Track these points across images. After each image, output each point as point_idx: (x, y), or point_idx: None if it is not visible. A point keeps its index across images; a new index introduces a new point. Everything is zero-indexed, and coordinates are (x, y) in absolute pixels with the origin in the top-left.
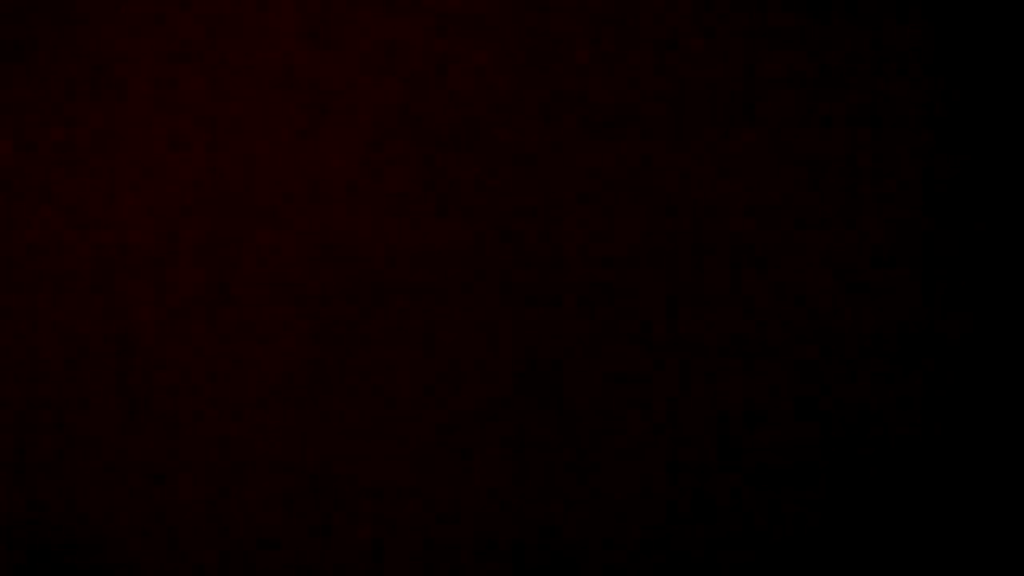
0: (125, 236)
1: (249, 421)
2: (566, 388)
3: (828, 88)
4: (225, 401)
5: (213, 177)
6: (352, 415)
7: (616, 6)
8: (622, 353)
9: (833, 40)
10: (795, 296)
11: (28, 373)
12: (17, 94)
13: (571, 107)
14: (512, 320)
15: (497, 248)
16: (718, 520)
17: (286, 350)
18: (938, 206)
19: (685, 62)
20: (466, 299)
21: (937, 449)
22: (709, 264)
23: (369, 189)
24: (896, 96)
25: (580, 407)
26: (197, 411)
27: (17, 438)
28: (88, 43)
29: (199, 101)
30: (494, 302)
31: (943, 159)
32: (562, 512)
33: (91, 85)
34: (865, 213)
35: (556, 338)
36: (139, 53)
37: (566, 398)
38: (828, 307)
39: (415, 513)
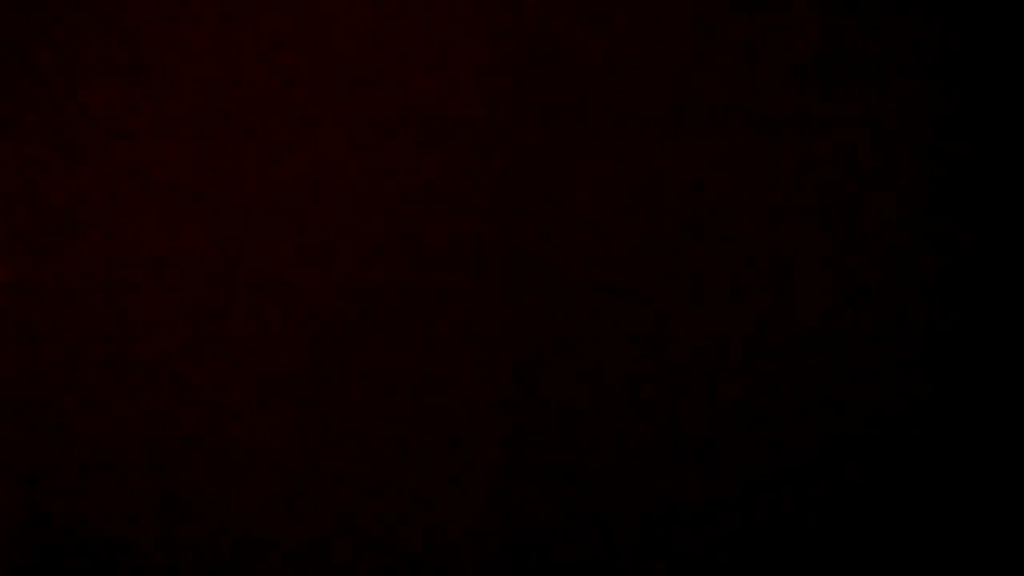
0: (125, 236)
1: (249, 421)
2: (566, 387)
3: (828, 88)
4: (225, 401)
5: (213, 177)
6: (352, 415)
7: (615, 5)
8: (622, 352)
9: (833, 40)
10: (795, 296)
11: (28, 373)
12: (17, 95)
13: (570, 106)
14: (512, 319)
15: (496, 247)
16: (718, 520)
17: (286, 350)
18: (938, 206)
19: (685, 61)
20: (466, 298)
21: (937, 449)
22: (708, 263)
23: (369, 189)
24: (897, 95)
25: (580, 406)
26: (197, 411)
27: (17, 438)
28: (89, 45)
29: (199, 100)
30: (494, 302)
31: (944, 159)
32: (562, 512)
33: (93, 83)
34: (865, 213)
35: (556, 337)
36: (140, 50)
37: (566, 397)
38: (828, 307)
39: (415, 513)
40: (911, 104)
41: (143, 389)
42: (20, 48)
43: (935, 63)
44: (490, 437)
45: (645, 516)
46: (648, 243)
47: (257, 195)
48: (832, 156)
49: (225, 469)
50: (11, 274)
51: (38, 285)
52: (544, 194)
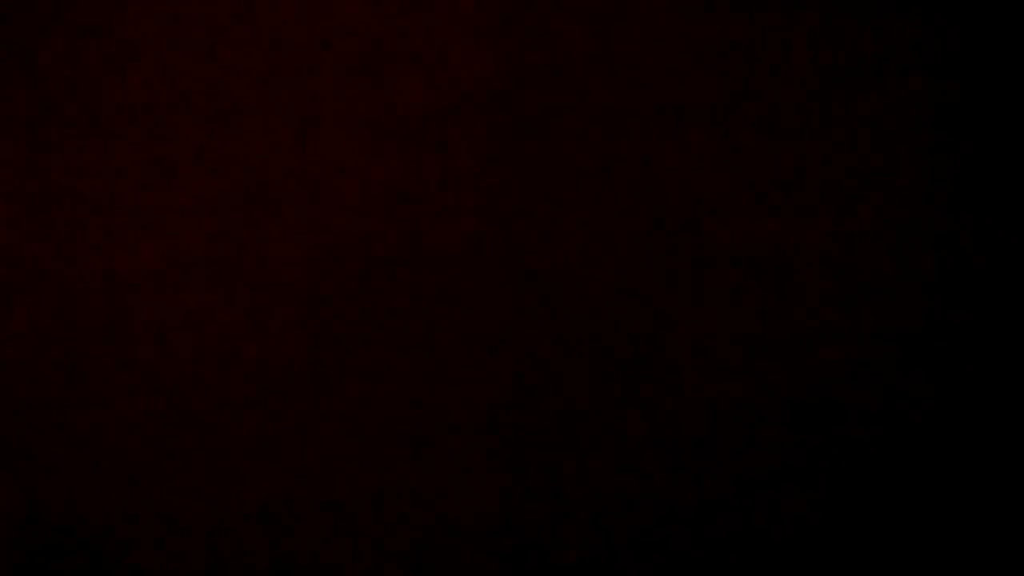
0: (126, 236)
1: (249, 420)
2: (566, 387)
3: (827, 88)
4: (225, 400)
5: (213, 177)
6: (353, 415)
7: (615, 5)
8: (622, 352)
9: (834, 39)
10: (795, 296)
11: (29, 372)
12: (17, 95)
13: (570, 106)
14: (512, 319)
15: (497, 247)
16: (718, 520)
17: (286, 350)
18: (938, 206)
19: (685, 61)
20: (466, 298)
21: (938, 449)
22: (708, 263)
23: (368, 189)
24: (897, 95)
25: (580, 405)
26: (198, 411)
27: (17, 438)
28: (90, 41)
29: (199, 100)
30: (494, 301)
31: (944, 159)
32: (561, 512)
33: (93, 83)
34: (865, 213)
35: (556, 337)
36: (140, 50)
37: (566, 397)
38: (827, 307)
39: (415, 513)
40: (911, 104)
41: (143, 389)
42: (20, 48)
43: (935, 63)
44: (490, 437)
45: (645, 516)
46: (648, 243)
47: (257, 194)
48: (832, 156)
49: (225, 468)
50: (11, 272)
51: (38, 285)
52: (544, 193)
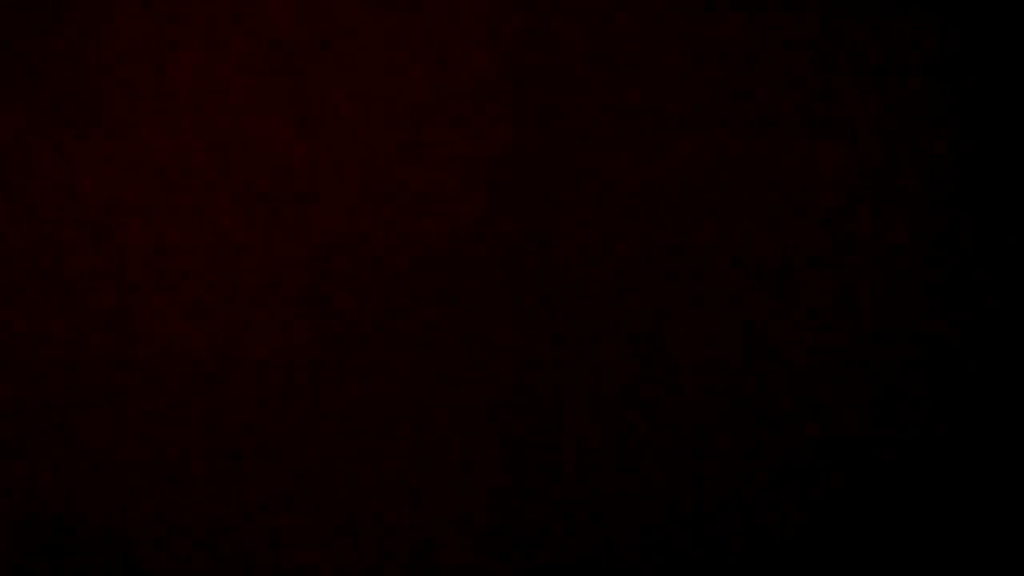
0: (127, 235)
1: (250, 420)
2: (566, 385)
3: (828, 88)
4: (225, 400)
5: (212, 177)
6: (353, 415)
7: (615, 5)
8: (623, 353)
9: (834, 40)
10: (797, 297)
11: (29, 372)
12: (18, 92)
13: (571, 106)
14: (512, 319)
15: (496, 246)
16: (718, 521)
17: (287, 350)
18: (941, 207)
19: (685, 61)
20: (465, 297)
21: (940, 450)
22: (709, 264)
23: (370, 188)
24: (898, 95)
25: (580, 404)
26: (198, 410)
27: (17, 438)
28: (90, 41)
29: (199, 100)
30: (495, 301)
31: (945, 159)
32: (561, 513)
33: (93, 84)
34: (866, 213)
35: (557, 337)
36: (140, 51)
37: (566, 395)
38: (828, 307)
39: (415, 513)
40: (912, 104)
41: (143, 388)
42: (19, 48)
43: (936, 64)
44: (490, 437)
45: (644, 516)
46: (649, 243)
47: (258, 193)
48: (833, 156)
49: (225, 468)
50: (11, 272)
51: (38, 285)
52: (545, 192)
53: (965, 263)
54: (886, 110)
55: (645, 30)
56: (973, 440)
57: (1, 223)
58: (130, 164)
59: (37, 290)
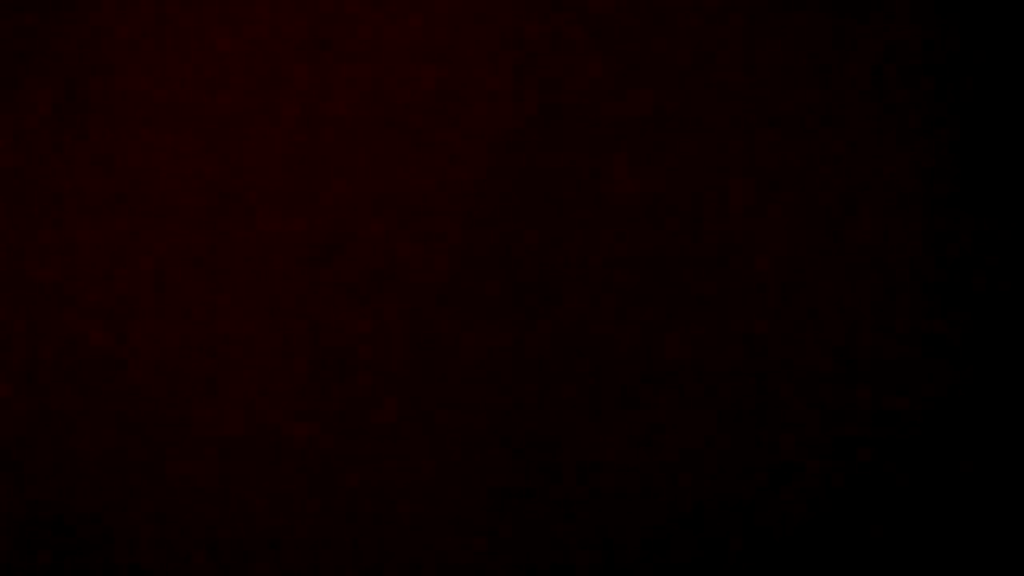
0: (127, 234)
1: (250, 421)
2: (568, 389)
3: (830, 89)
4: (226, 400)
5: (210, 179)
6: (352, 416)
7: (616, 6)
8: (624, 352)
9: (838, 40)
10: (798, 297)
11: (29, 372)
12: (17, 96)
13: (575, 109)
14: (514, 319)
15: (497, 249)
16: (720, 522)
17: (285, 350)
18: (943, 208)
19: (686, 63)
20: (465, 302)
21: (939, 450)
22: (709, 266)
23: (371, 191)
24: (899, 95)
25: (581, 409)
26: (198, 411)
27: (17, 438)
28: (88, 43)
29: (198, 101)
30: (494, 307)
31: (947, 159)
32: (563, 514)
33: (91, 86)
34: (867, 213)
35: (558, 338)
36: (138, 54)
37: (568, 399)
38: (830, 307)
39: (415, 514)
40: (913, 104)
41: (143, 389)
42: (17, 48)
43: (938, 64)
44: (491, 438)
45: (646, 518)
46: (651, 243)
47: (255, 197)
48: (833, 157)
49: (225, 468)
50: (11, 273)
51: (38, 285)
52: (545, 194)
53: (966, 263)
54: (887, 110)
55: (648, 30)
56: (973, 440)
57: (2, 226)
58: (131, 165)
59: (37, 290)
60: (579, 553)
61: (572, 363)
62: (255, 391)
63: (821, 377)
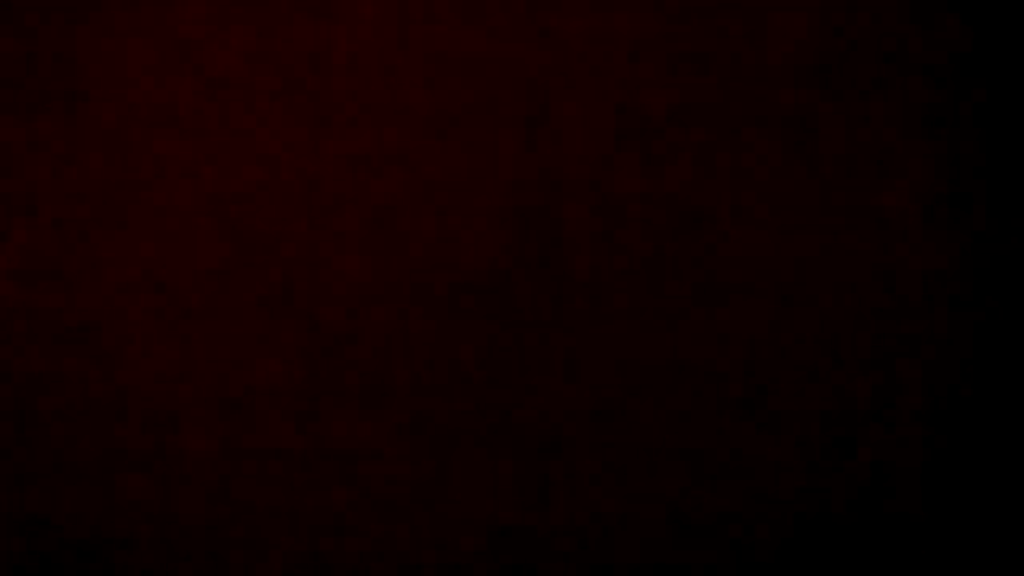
0: (128, 235)
1: (250, 422)
2: (573, 395)
3: (830, 89)
4: (227, 402)
5: (211, 179)
6: (351, 416)
7: (617, 6)
8: (626, 356)
9: (835, 40)
10: (800, 299)
11: (29, 373)
12: (18, 96)
13: (580, 114)
14: (514, 325)
15: (496, 251)
16: (722, 524)
17: (284, 351)
18: (944, 208)
19: (686, 67)
20: (470, 306)
21: (940, 450)
22: (710, 267)
23: (373, 190)
24: (900, 96)
25: (589, 412)
26: (198, 412)
27: (16, 440)
28: (91, 44)
29: (199, 102)
30: (494, 307)
31: (951, 160)
32: (565, 517)
33: (91, 85)
34: (868, 214)
35: (560, 339)
36: (139, 50)
37: (573, 406)
38: (831, 308)
39: (414, 514)
40: (914, 105)
41: (143, 390)
42: (15, 45)
43: (941, 65)
44: (497, 446)
45: (648, 519)
46: (654, 244)
47: (262, 196)
48: (835, 158)
49: (227, 469)
50: (11, 273)
51: (38, 284)
52: (545, 193)
53: (968, 263)
54: (890, 111)
55: (649, 31)
56: (974, 440)
57: (3, 222)
58: (131, 165)
59: (37, 291)
60: (579, 553)
61: (579, 368)
62: (255, 391)
63: (822, 377)
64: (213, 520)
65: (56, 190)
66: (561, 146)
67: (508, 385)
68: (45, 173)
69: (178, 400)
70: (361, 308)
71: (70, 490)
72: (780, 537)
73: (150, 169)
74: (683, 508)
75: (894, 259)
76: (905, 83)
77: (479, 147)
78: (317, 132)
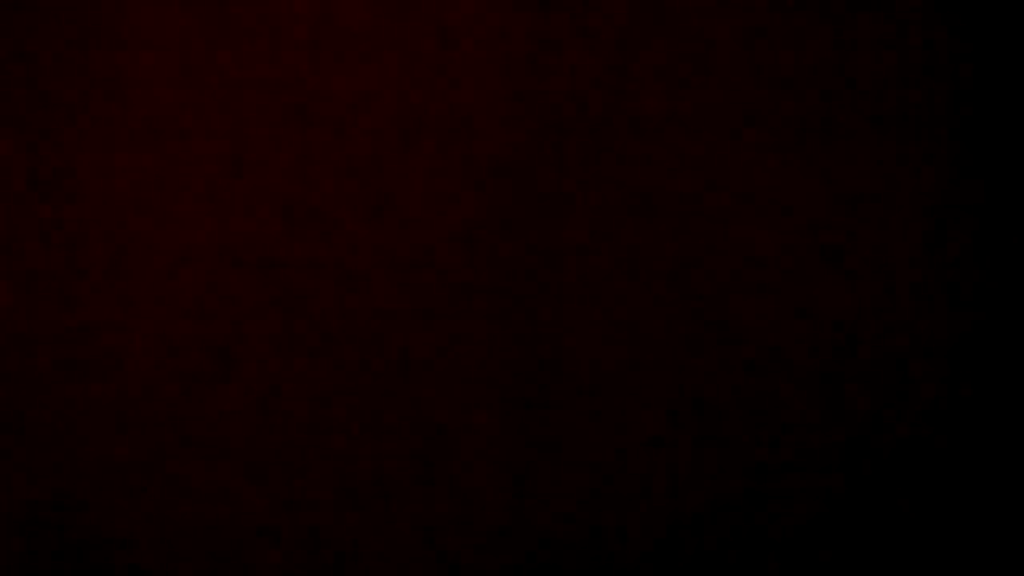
0: (129, 236)
1: (252, 423)
2: (569, 389)
3: (835, 91)
4: (227, 401)
5: (214, 176)
6: (350, 417)
7: (618, 5)
8: (624, 353)
9: (847, 42)
10: (802, 299)
11: (29, 373)
12: (25, 94)
13: (575, 111)
14: (511, 323)
15: (497, 249)
16: (724, 523)
17: (283, 351)
18: (944, 208)
19: (687, 68)
20: (468, 299)
21: (939, 450)
22: (710, 267)
23: (373, 189)
24: (902, 96)
25: (582, 407)
26: (198, 413)
27: (17, 438)
28: (93, 44)
29: (202, 100)
30: (494, 306)
31: (955, 161)
32: (565, 513)
33: (100, 84)
34: (870, 216)
35: (558, 337)
36: (140, 51)
37: (569, 400)
38: (833, 308)
39: (414, 515)
40: (917, 105)
41: (143, 389)
42: (21, 46)
43: (945, 65)
44: (493, 437)
45: (648, 518)
46: (656, 245)
47: (260, 193)
48: (834, 158)
49: (226, 468)
50: (12, 273)
51: (38, 284)
52: (547, 195)
53: (967, 264)
54: (890, 112)
55: (651, 31)
56: (973, 441)
57: (4, 224)
58: (132, 166)
59: (38, 290)
60: (578, 553)
61: (575, 362)
62: (256, 391)
63: (822, 377)
64: (213, 520)
65: (55, 188)
66: (560, 147)
67: (508, 388)
68: (46, 170)
69: (178, 400)
70: (361, 308)
71: (70, 490)
72: (780, 536)
73: (151, 165)
74: (683, 506)
75: (894, 259)
76: (905, 83)
77: (475, 143)
78: (311, 131)
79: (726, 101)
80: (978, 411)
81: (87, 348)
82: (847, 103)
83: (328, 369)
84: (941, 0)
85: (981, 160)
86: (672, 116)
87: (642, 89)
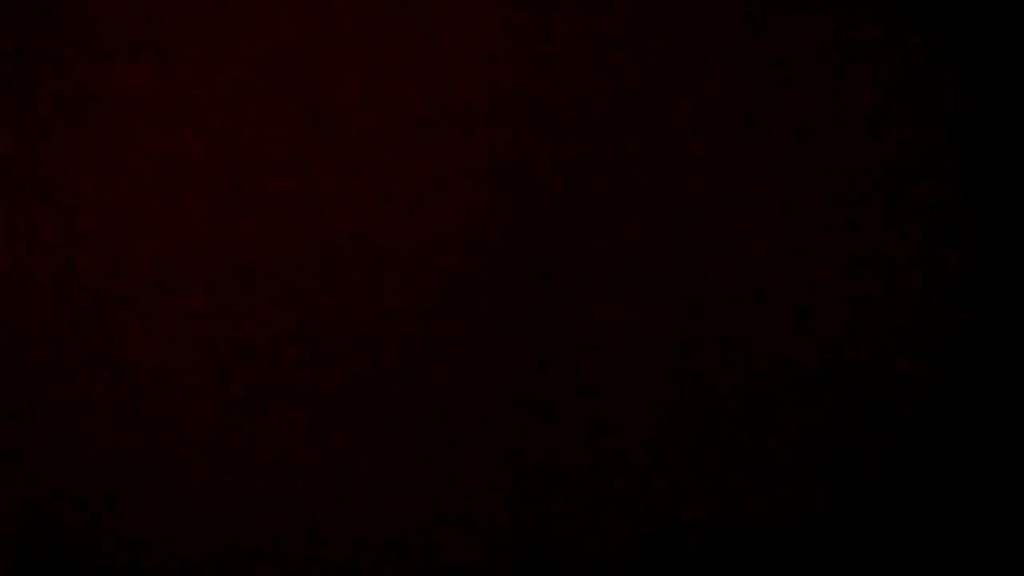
0: (129, 236)
1: (252, 423)
2: (570, 389)
3: (835, 92)
4: (228, 402)
5: (214, 179)
6: (349, 417)
7: (619, 5)
8: (625, 353)
9: (837, 40)
10: (803, 299)
11: (30, 373)
12: (20, 96)
13: (576, 111)
14: (510, 322)
15: (499, 251)
16: (725, 523)
17: (283, 351)
18: (944, 208)
19: (694, 63)
20: (469, 300)
21: (940, 450)
22: (710, 267)
23: (373, 189)
24: (903, 97)
25: (583, 408)
26: (197, 411)
27: (16, 439)
28: (91, 44)
29: (201, 98)
30: (494, 306)
31: (955, 161)
32: (565, 514)
33: (100, 84)
34: (870, 216)
35: (559, 338)
36: (141, 52)
37: (570, 400)
38: (834, 309)
39: (417, 514)
40: (917, 105)
41: (143, 389)
42: (17, 46)
43: (946, 65)
44: (494, 437)
45: (648, 518)
46: (657, 245)
47: (260, 193)
48: (836, 159)
49: (226, 468)
50: (13, 273)
51: (39, 284)
52: (548, 195)
53: (967, 264)
54: (890, 112)
55: (651, 29)
56: (973, 441)
57: (3, 225)
58: (131, 166)
59: (39, 291)
60: (578, 553)
61: (576, 363)
62: (256, 391)
63: (822, 377)
64: (213, 520)
65: (55, 188)
66: (561, 147)
67: (508, 388)
68: (46, 170)
69: (178, 400)
70: (361, 307)
71: (70, 490)
72: (779, 537)
73: (151, 164)
74: (683, 507)
75: (894, 260)
76: (905, 83)
77: (475, 144)
78: (310, 131)
79: (726, 101)
80: (978, 411)
81: (87, 348)
82: (847, 103)
83: (328, 369)
84: (941, 0)
85: (981, 160)
86: (672, 116)
87: (642, 89)
